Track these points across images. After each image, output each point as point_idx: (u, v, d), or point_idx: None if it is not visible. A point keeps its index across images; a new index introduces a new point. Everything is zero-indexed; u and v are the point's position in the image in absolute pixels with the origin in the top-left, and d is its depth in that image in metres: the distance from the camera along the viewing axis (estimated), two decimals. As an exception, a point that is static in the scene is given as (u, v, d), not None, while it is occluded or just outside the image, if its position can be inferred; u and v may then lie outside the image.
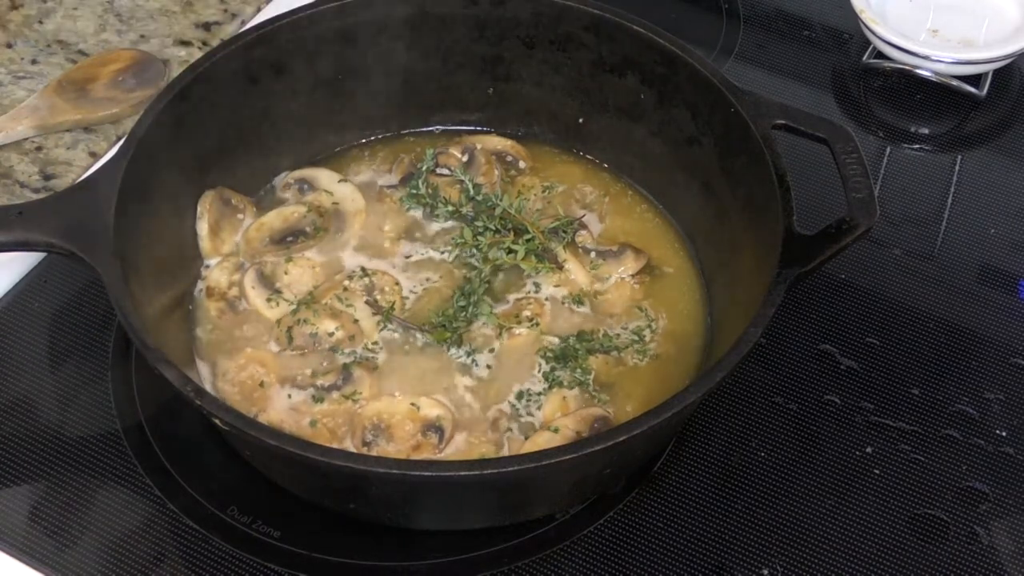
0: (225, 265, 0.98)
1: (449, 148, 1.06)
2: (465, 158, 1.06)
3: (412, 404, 0.90)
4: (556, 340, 0.95)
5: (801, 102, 1.03)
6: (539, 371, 0.92)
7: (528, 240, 0.98)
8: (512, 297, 0.97)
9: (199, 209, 0.98)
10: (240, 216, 1.01)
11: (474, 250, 0.99)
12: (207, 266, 0.99)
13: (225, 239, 0.99)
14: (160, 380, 0.77)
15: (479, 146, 1.07)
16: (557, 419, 0.88)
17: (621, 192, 1.06)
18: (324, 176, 1.05)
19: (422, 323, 0.95)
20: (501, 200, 0.99)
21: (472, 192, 1.00)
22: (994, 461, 0.92)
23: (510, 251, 0.98)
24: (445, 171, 1.05)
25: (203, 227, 0.98)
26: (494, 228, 0.98)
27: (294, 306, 0.95)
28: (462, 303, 0.96)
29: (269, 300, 0.96)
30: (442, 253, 1.00)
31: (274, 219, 1.01)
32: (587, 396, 0.91)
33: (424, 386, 0.92)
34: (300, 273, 0.98)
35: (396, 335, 0.95)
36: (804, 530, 0.88)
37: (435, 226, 1.02)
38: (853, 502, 0.90)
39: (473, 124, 1.10)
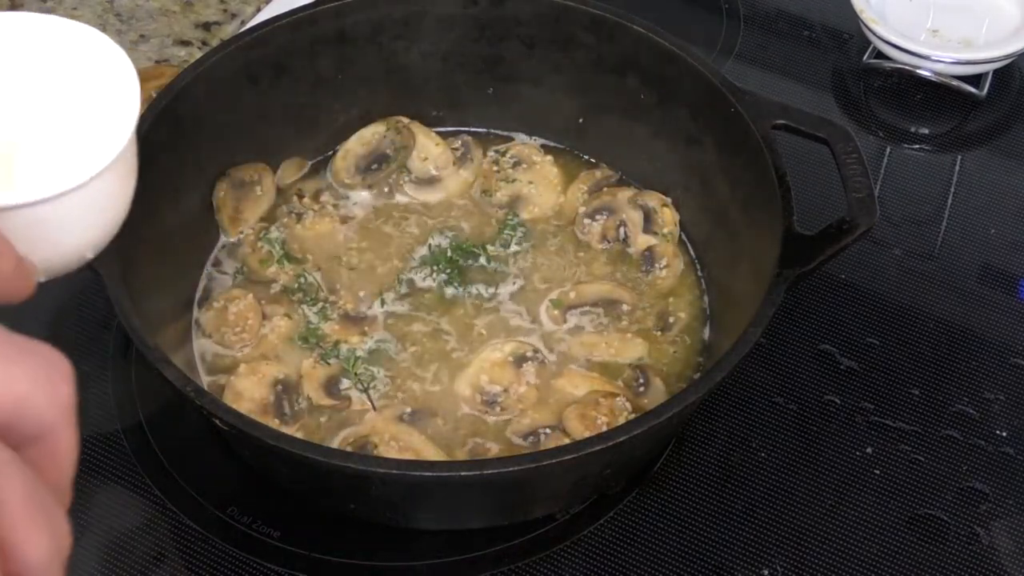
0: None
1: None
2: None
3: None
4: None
5: (801, 102, 1.02)
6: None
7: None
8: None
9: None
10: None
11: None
12: (208, 270, 0.99)
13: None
14: (160, 380, 0.77)
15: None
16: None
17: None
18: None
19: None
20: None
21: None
22: (994, 461, 0.92)
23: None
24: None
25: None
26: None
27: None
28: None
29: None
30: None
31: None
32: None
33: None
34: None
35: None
36: (804, 530, 0.88)
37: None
38: (853, 502, 0.90)
39: (473, 124, 1.10)
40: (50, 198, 0.52)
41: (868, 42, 1.22)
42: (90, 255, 0.58)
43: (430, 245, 1.01)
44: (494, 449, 0.88)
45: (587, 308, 0.97)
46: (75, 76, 0.57)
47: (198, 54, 1.18)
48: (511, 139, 1.10)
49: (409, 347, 0.94)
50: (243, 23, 1.25)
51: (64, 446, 0.38)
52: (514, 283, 0.99)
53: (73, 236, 0.55)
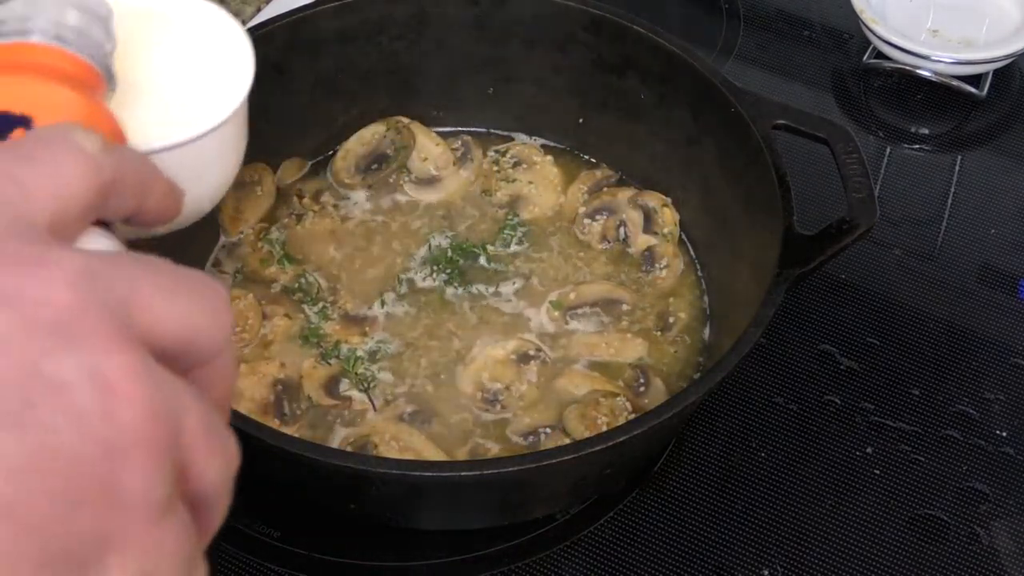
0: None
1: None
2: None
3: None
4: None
5: (801, 102, 1.02)
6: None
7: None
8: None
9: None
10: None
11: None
12: (208, 270, 0.99)
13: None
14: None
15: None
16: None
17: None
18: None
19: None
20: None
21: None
22: (994, 461, 0.93)
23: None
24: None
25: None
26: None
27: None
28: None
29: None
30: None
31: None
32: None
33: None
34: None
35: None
36: (804, 530, 0.88)
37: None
38: (853, 502, 0.90)
39: (473, 124, 1.10)
40: (180, 144, 0.57)
41: (868, 42, 1.22)
42: (208, 207, 0.63)
43: (430, 245, 1.01)
44: (494, 449, 0.88)
45: (587, 308, 0.97)
46: (193, 44, 0.62)
47: (198, 54, 1.18)
48: (511, 139, 1.10)
49: (409, 347, 0.94)
50: (243, 23, 1.24)
51: (227, 367, 0.41)
52: (514, 283, 0.99)
53: (197, 185, 0.58)
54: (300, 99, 1.03)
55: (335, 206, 1.04)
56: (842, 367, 0.98)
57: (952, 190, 1.14)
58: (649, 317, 0.97)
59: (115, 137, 0.50)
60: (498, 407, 0.90)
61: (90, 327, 0.35)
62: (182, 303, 0.39)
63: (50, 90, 0.47)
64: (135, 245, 0.43)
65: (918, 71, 1.20)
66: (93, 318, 0.36)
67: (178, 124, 0.57)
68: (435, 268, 0.99)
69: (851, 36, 1.27)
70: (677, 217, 1.01)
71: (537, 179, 1.05)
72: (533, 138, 1.10)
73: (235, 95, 0.60)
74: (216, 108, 0.59)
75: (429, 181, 1.05)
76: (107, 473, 0.35)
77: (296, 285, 0.97)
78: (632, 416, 0.88)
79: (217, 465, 0.39)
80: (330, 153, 1.07)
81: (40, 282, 0.36)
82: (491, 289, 0.98)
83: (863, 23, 1.20)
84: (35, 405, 0.34)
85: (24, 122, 0.46)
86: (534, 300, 0.98)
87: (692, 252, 1.02)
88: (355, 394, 0.91)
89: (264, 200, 1.02)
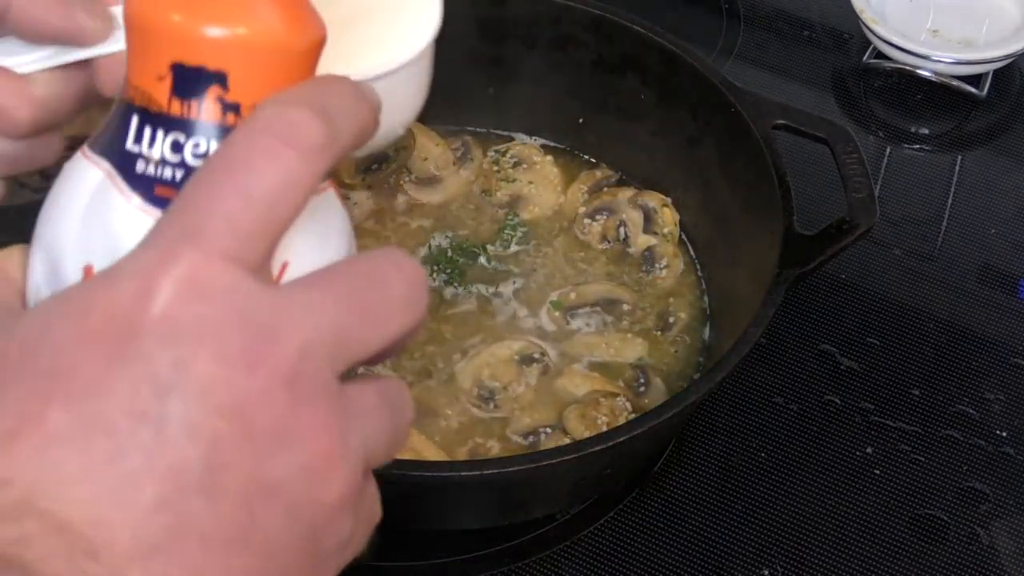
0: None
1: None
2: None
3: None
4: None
5: (801, 102, 1.02)
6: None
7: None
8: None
9: None
10: None
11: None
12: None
13: None
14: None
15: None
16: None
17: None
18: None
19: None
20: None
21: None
22: (994, 461, 0.93)
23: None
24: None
25: None
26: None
27: None
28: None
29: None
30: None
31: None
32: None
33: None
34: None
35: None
36: (804, 530, 0.88)
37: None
38: (853, 502, 0.90)
39: (473, 124, 1.10)
40: (389, 72, 0.59)
41: (868, 42, 1.22)
42: (401, 131, 0.65)
43: (430, 245, 1.01)
44: (494, 449, 0.88)
45: (588, 308, 0.97)
46: None
47: (198, 54, 1.18)
48: (511, 139, 1.10)
49: (409, 347, 0.94)
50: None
51: (414, 337, 0.40)
52: (514, 283, 0.99)
53: (396, 111, 0.59)
54: (300, 99, 1.03)
55: None
56: (842, 367, 0.98)
57: (952, 190, 1.14)
58: (649, 317, 0.97)
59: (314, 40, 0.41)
60: (491, 405, 0.90)
61: (304, 423, 0.35)
62: (383, 318, 0.38)
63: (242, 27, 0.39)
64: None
65: (918, 71, 1.20)
66: (308, 412, 0.36)
67: (379, 51, 0.58)
68: (435, 268, 0.99)
69: (851, 36, 1.27)
70: (677, 217, 1.01)
71: (537, 179, 1.05)
72: (533, 138, 1.10)
73: (430, 20, 0.62)
74: (413, 33, 0.61)
75: (429, 181, 1.05)
76: (314, 544, 0.37)
77: None
78: (632, 416, 0.88)
79: (393, 447, 0.40)
80: (330, 153, 1.07)
81: (260, 385, 0.35)
82: (491, 289, 0.98)
83: (863, 23, 1.20)
84: (257, 514, 0.35)
85: (220, 79, 0.39)
86: (534, 300, 0.98)
87: (692, 252, 1.02)
88: None
89: None
